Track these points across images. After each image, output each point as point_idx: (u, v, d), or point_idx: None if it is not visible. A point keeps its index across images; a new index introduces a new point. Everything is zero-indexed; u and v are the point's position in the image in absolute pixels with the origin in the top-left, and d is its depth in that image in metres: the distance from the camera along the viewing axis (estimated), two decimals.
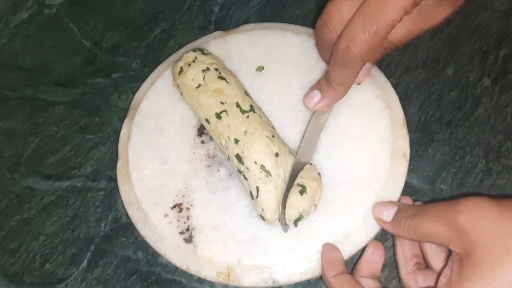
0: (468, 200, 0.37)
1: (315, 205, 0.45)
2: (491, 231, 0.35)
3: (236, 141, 0.47)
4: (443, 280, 0.37)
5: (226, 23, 0.63)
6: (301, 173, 0.46)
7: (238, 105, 0.48)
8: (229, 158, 0.48)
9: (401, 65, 0.57)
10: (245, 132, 0.47)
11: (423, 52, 0.58)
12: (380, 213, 0.44)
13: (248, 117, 0.48)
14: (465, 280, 0.35)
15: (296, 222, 0.45)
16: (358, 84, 0.51)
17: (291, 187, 0.45)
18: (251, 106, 0.49)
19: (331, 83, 0.46)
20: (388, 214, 0.43)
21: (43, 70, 0.62)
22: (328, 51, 0.45)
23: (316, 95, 0.48)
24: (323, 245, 0.45)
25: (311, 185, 0.44)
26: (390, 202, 0.45)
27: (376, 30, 0.39)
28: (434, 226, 0.38)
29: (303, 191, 0.44)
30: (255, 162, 0.46)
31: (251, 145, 0.46)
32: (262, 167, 0.45)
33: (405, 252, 0.44)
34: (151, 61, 0.61)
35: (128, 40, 0.63)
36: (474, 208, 0.37)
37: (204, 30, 0.62)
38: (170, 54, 0.59)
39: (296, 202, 0.44)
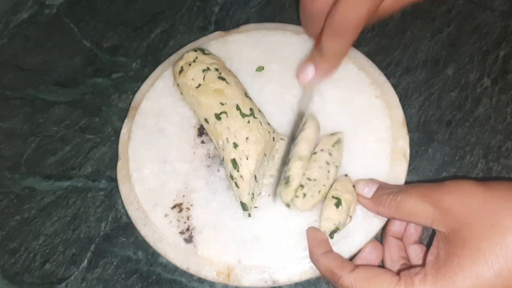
0: (454, 181, 0.38)
1: (350, 217, 0.45)
2: (477, 209, 0.36)
3: (235, 145, 0.46)
4: (430, 257, 0.38)
5: (226, 23, 0.63)
6: (335, 185, 0.46)
7: (238, 108, 0.48)
8: (223, 160, 0.48)
9: (401, 65, 0.57)
10: (247, 139, 0.47)
11: (423, 52, 0.58)
12: (361, 189, 0.44)
13: (249, 122, 0.47)
14: (454, 255, 0.35)
15: (332, 234, 0.45)
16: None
17: (284, 167, 0.46)
18: (251, 109, 0.48)
19: (325, 55, 0.44)
20: (369, 190, 0.44)
21: (44, 70, 0.62)
22: (315, 21, 0.44)
23: (311, 70, 0.46)
24: (308, 229, 0.45)
25: (346, 197, 0.44)
26: (372, 179, 0.45)
27: None
28: (418, 205, 0.38)
29: (338, 203, 0.44)
30: (255, 176, 0.46)
31: (251, 154, 0.46)
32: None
33: (391, 254, 0.44)
34: (151, 61, 0.61)
35: (128, 40, 0.63)
36: (460, 188, 0.37)
37: (204, 30, 0.62)
38: (170, 54, 0.60)
39: (332, 214, 0.44)
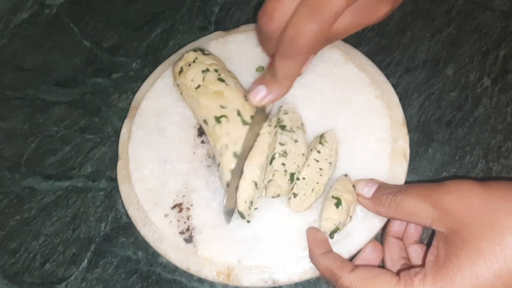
0: (453, 181, 0.38)
1: (350, 217, 0.45)
2: (476, 209, 0.36)
3: (235, 155, 0.46)
4: (429, 258, 0.38)
5: (226, 23, 0.63)
6: (335, 185, 0.46)
7: (239, 114, 0.48)
8: (219, 165, 0.47)
9: (401, 65, 0.57)
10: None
11: (423, 53, 0.58)
12: (361, 189, 0.44)
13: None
14: (453, 256, 0.35)
15: (332, 234, 0.45)
16: (299, 75, 0.49)
17: (239, 177, 0.45)
18: (252, 117, 0.48)
19: (276, 77, 0.45)
20: (369, 190, 0.44)
21: (44, 70, 0.62)
22: (270, 44, 0.45)
23: (262, 90, 0.47)
24: (308, 228, 0.45)
25: (346, 197, 0.44)
26: (372, 179, 0.46)
27: (322, 21, 0.40)
28: (417, 205, 0.39)
29: (338, 203, 0.44)
30: (255, 183, 0.46)
31: (253, 164, 0.46)
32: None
33: (392, 254, 0.44)
34: (151, 61, 0.61)
35: (128, 40, 0.63)
36: (459, 188, 0.37)
37: (204, 30, 0.62)
38: (170, 54, 0.60)
39: (332, 214, 0.44)
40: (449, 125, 0.53)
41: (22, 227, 0.53)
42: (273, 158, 0.46)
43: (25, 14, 0.67)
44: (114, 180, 0.53)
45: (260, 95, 0.47)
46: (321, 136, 0.48)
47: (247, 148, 0.46)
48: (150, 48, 0.62)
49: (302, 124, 0.49)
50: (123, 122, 0.55)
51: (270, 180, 0.46)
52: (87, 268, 0.50)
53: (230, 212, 0.46)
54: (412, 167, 0.51)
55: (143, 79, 0.58)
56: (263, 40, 0.46)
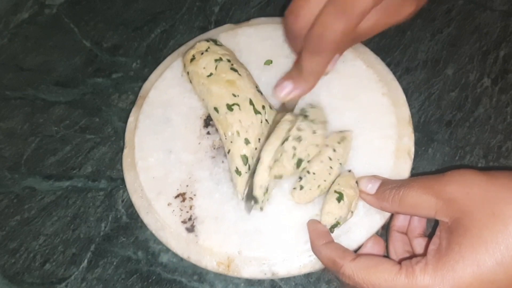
0: (456, 171, 0.38)
1: (352, 212, 0.45)
2: (479, 197, 0.36)
3: (247, 141, 0.47)
4: (431, 247, 0.37)
5: (226, 23, 0.63)
6: (338, 180, 0.46)
7: (251, 103, 0.48)
8: (228, 152, 0.48)
9: (401, 65, 0.57)
10: (259, 139, 0.47)
11: (423, 52, 0.58)
12: (364, 185, 0.45)
13: (261, 122, 0.48)
14: (455, 244, 0.35)
15: (332, 228, 0.45)
16: (325, 74, 0.50)
17: (256, 165, 0.46)
18: (263, 106, 0.49)
19: (303, 72, 0.46)
20: (372, 187, 0.44)
21: (43, 70, 0.62)
22: (297, 41, 0.46)
23: (288, 86, 0.48)
24: (309, 221, 0.45)
25: (348, 192, 0.44)
26: (375, 176, 0.46)
27: (349, 19, 0.41)
28: (420, 197, 0.39)
29: (340, 198, 0.44)
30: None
31: (268, 147, 0.46)
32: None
33: (396, 249, 0.44)
34: (151, 61, 0.61)
35: (128, 40, 0.63)
36: (462, 177, 0.38)
37: (204, 30, 0.62)
38: (170, 54, 0.60)
39: (333, 209, 0.44)
40: (449, 125, 0.53)
41: (22, 227, 0.53)
42: (286, 140, 0.46)
43: (25, 14, 0.67)
44: (114, 180, 0.53)
45: (286, 90, 0.48)
46: (342, 135, 0.48)
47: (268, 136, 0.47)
48: (150, 48, 0.62)
49: (325, 121, 0.49)
50: (123, 122, 0.55)
51: (277, 160, 0.46)
52: (87, 268, 0.50)
53: (249, 199, 0.46)
54: (412, 167, 0.51)
55: (143, 79, 0.58)
56: (290, 38, 0.47)
